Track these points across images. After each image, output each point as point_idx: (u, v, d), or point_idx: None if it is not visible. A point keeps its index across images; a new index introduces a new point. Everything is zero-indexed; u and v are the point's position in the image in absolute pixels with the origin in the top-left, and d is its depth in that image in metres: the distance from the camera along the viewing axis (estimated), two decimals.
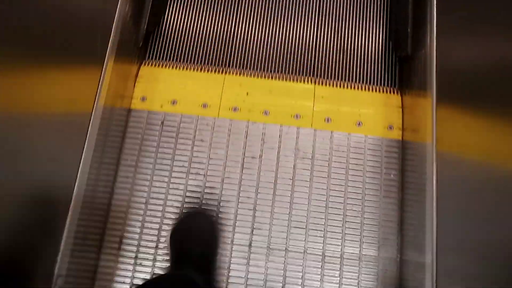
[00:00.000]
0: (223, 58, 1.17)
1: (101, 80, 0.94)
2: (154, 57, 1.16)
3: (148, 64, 1.14)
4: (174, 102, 1.10)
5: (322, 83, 1.13)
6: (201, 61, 1.16)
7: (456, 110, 0.92)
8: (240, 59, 1.16)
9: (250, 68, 1.16)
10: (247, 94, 1.10)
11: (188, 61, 1.16)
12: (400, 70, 1.14)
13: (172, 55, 1.16)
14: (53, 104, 0.79)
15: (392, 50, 1.14)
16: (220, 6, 1.21)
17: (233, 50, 1.18)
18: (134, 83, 1.12)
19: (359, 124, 1.08)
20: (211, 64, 1.16)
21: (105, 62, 0.94)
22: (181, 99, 1.10)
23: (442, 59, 0.95)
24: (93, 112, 0.91)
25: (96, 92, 0.93)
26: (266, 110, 1.09)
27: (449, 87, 0.93)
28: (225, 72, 1.14)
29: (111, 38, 0.95)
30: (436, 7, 0.97)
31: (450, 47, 0.95)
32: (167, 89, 1.11)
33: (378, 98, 1.11)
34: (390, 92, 1.12)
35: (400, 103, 1.10)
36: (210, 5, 1.21)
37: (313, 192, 1.03)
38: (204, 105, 1.09)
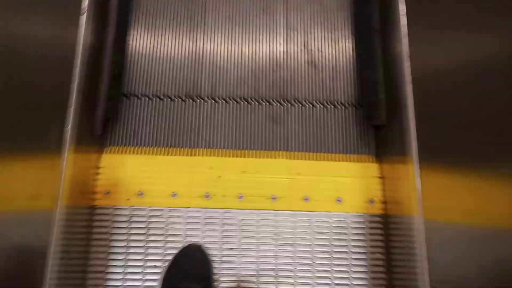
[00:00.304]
0: (189, 136, 1.10)
1: (62, 178, 0.87)
2: (115, 143, 1.09)
3: (109, 152, 1.06)
4: (141, 194, 1.02)
5: (296, 157, 1.07)
6: (166, 143, 1.09)
7: (440, 176, 0.87)
8: (208, 136, 1.10)
9: (219, 144, 1.09)
10: (219, 177, 1.04)
11: (152, 144, 1.09)
12: (375, 138, 1.10)
13: (134, 139, 1.09)
14: (8, 209, 0.71)
15: (366, 118, 1.10)
16: (178, 85, 1.15)
17: (200, 127, 1.12)
18: (96, 176, 1.04)
19: (339, 200, 1.03)
20: (177, 145, 1.09)
21: (63, 158, 0.87)
22: (148, 190, 1.02)
23: (420, 126, 0.91)
24: (56, 216, 0.84)
25: (58, 192, 0.86)
26: (240, 194, 1.02)
27: (430, 154, 0.89)
28: (193, 154, 1.07)
29: (67, 130, 0.88)
30: (409, 71, 0.94)
31: (428, 113, 0.91)
32: (132, 179, 1.03)
33: (355, 169, 1.06)
34: (367, 160, 1.08)
35: (379, 173, 1.06)
36: (169, 85, 1.15)
37: (298, 282, 0.96)
38: (174, 195, 1.02)
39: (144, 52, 1.16)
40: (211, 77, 1.15)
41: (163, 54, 1.16)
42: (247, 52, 1.18)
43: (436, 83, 0.92)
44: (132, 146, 1.08)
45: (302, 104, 1.13)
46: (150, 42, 1.17)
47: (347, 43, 1.19)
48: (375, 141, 1.10)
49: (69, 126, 0.89)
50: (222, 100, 1.13)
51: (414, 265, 0.90)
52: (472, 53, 0.79)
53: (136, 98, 1.12)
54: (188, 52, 1.17)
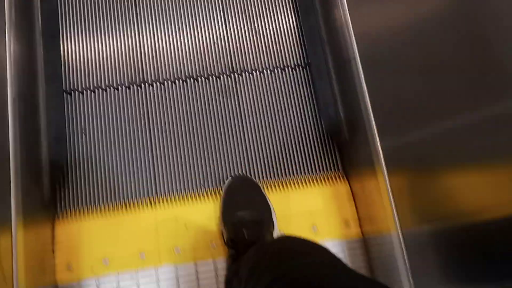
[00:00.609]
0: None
1: (14, 257, 0.79)
2: (68, 207, 1.00)
3: (63, 218, 0.98)
4: (106, 261, 0.94)
5: (264, 185, 1.02)
6: (123, 197, 1.01)
7: (412, 185, 0.85)
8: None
9: (180, 188, 1.03)
10: (186, 227, 0.98)
11: (108, 201, 1.01)
12: (340, 155, 1.06)
13: (88, 198, 1.01)
14: None
15: (327, 135, 1.07)
16: (120, 74, 1.10)
17: (149, 113, 1.07)
18: (53, 249, 0.96)
19: (314, 228, 0.99)
20: (135, 197, 1.01)
21: (12, 234, 0.79)
22: (113, 255, 0.95)
23: (384, 140, 0.88)
24: None
25: (12, 275, 0.78)
26: (212, 242, 0.97)
27: (398, 163, 0.86)
28: (154, 203, 1.00)
29: (12, 207, 0.80)
30: (366, 86, 0.90)
31: (390, 126, 0.88)
32: (93, 246, 0.96)
33: (326, 191, 1.03)
34: (336, 178, 1.04)
35: (350, 191, 1.03)
36: (111, 75, 1.09)
37: None
38: (141, 255, 0.95)
39: (78, 44, 1.11)
40: (153, 59, 1.11)
41: (99, 43, 1.11)
42: (185, 28, 1.15)
43: (399, 97, 0.89)
44: (86, 206, 0.99)
45: (250, 73, 1.13)
46: (83, 32, 1.12)
47: (286, 4, 1.18)
48: (340, 159, 1.07)
49: (13, 203, 0.81)
50: (169, 82, 1.10)
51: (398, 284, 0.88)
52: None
53: (78, 93, 1.08)
54: (124, 36, 1.12)
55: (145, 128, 1.06)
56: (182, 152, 1.05)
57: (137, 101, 1.08)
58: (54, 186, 0.99)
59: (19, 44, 0.90)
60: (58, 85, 1.05)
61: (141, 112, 1.07)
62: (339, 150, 1.07)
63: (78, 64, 1.09)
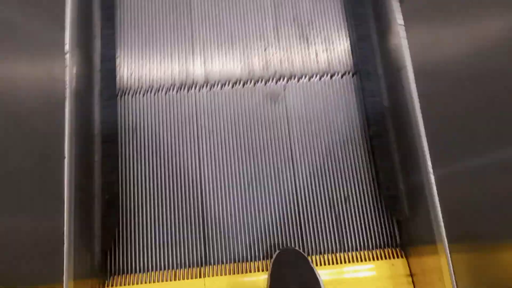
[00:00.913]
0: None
1: None
2: (117, 273, 0.99)
3: (112, 285, 0.97)
4: None
5: (320, 262, 0.98)
6: (172, 266, 1.00)
7: (476, 266, 0.78)
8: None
9: (230, 259, 1.00)
10: None
11: (158, 268, 0.99)
12: (400, 232, 1.01)
13: (137, 265, 1.00)
14: None
15: (387, 211, 1.02)
16: (171, 78, 1.13)
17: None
18: None
19: None
20: (185, 266, 0.99)
21: None
22: None
23: (448, 220, 0.83)
24: None
25: None
26: None
27: (461, 244, 0.80)
28: (205, 275, 0.97)
29: (64, 272, 0.80)
30: (430, 159, 0.86)
31: (455, 204, 0.83)
32: None
33: (382, 268, 0.97)
34: (393, 255, 0.99)
35: (408, 270, 0.97)
36: (161, 78, 1.13)
37: None
38: None
39: (132, 49, 1.16)
40: (204, 63, 1.14)
41: (152, 47, 1.16)
42: (236, 33, 1.17)
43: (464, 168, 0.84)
44: (136, 273, 0.98)
45: (299, 79, 1.13)
46: (138, 37, 1.17)
47: (336, 12, 1.19)
48: (399, 235, 1.02)
49: (65, 263, 0.81)
50: (218, 86, 1.12)
51: None
52: None
53: (129, 96, 1.12)
54: (177, 41, 1.16)
55: (193, 137, 1.09)
56: (231, 190, 1.06)
57: (186, 104, 1.11)
58: (104, 251, 0.98)
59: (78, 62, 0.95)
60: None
61: (189, 117, 1.10)
62: (398, 227, 1.02)
63: (131, 66, 1.14)
